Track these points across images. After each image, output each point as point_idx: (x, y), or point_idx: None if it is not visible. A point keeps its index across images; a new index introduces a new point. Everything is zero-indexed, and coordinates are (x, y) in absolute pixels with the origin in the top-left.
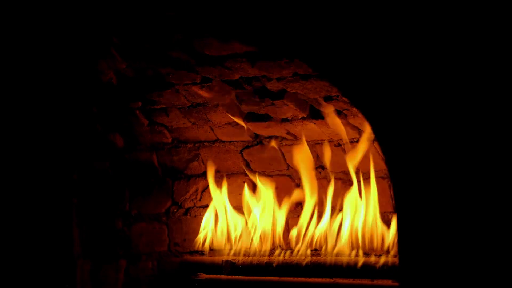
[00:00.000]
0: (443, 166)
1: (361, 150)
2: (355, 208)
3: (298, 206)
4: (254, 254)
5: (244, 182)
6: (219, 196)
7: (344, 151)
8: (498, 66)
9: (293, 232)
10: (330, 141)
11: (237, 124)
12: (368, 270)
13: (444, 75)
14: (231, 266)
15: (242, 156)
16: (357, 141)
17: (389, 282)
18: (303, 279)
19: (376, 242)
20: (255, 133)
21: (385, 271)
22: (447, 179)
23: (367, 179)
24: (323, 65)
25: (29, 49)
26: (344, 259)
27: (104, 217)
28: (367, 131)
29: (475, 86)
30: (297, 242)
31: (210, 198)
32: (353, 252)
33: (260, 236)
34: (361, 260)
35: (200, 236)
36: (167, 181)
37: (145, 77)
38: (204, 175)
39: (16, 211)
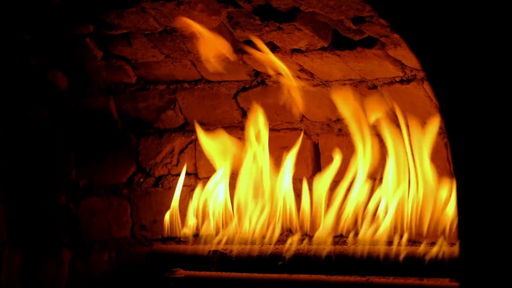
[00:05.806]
0: None
1: None
2: (397, 176)
3: (315, 174)
4: (254, 242)
5: (239, 138)
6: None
7: (382, 96)
8: None
9: (308, 211)
10: (361, 81)
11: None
12: (414, 265)
13: None
14: (221, 259)
15: (237, 102)
16: (401, 81)
17: (445, 281)
18: (323, 276)
19: (427, 225)
20: (255, 70)
21: (439, 265)
22: None
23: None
24: None
25: None
26: (381, 249)
27: (41, 190)
28: None
29: None
30: (314, 226)
31: (190, 161)
32: (394, 240)
33: (263, 217)
34: (405, 250)
35: (175, 214)
36: (129, 138)
37: None
38: (182, 129)
39: None
